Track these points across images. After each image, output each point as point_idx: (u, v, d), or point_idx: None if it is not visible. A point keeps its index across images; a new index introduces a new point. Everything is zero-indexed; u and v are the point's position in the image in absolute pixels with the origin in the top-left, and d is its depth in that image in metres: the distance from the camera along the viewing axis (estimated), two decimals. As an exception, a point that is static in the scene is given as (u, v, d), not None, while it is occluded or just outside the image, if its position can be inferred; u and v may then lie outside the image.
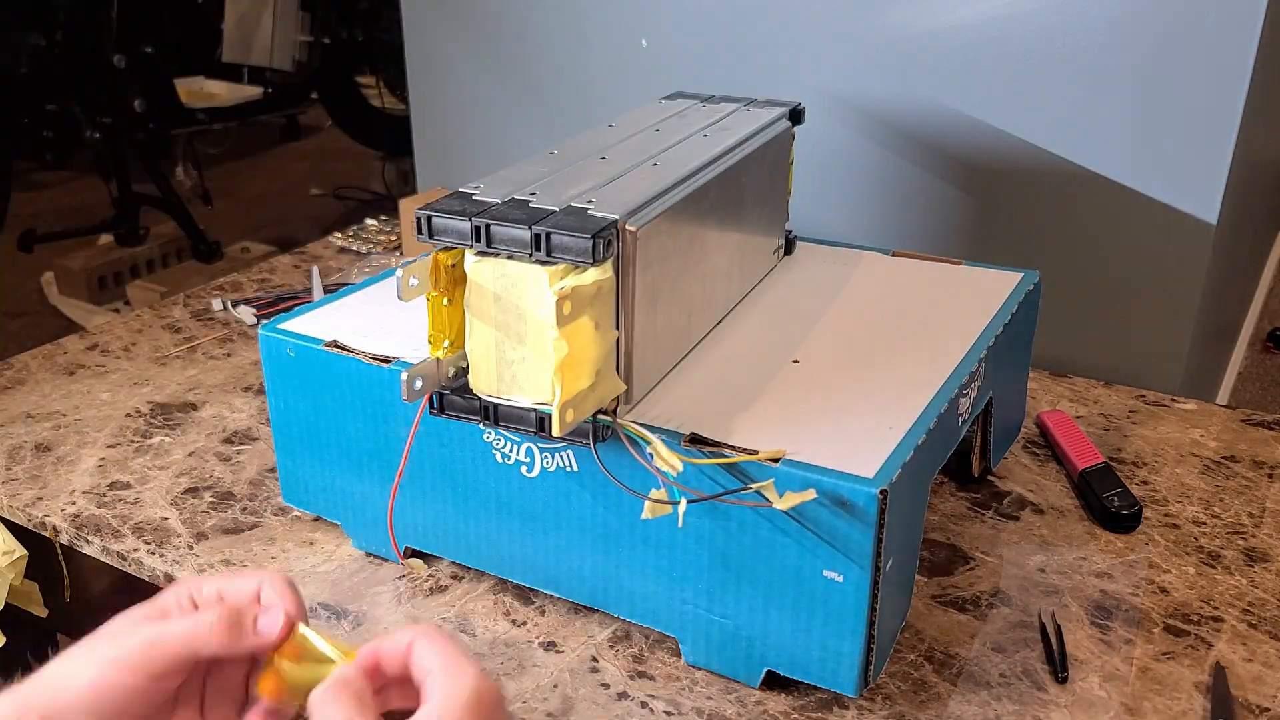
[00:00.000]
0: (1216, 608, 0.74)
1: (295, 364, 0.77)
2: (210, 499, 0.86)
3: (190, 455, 0.93)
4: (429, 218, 0.63)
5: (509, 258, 0.62)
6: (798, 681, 0.67)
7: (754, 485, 0.61)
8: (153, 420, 0.98)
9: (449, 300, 0.64)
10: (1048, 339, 0.98)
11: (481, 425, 0.69)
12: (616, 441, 0.65)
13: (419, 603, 0.75)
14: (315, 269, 1.24)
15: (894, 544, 0.62)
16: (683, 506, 0.63)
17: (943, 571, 0.78)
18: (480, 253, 0.62)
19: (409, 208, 1.34)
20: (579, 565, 0.71)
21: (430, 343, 0.66)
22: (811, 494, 0.60)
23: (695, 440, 0.64)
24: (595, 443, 0.65)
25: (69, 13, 2.52)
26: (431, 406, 0.68)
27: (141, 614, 0.52)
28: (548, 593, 0.74)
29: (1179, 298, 1.03)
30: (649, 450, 0.63)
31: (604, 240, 0.60)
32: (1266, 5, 0.91)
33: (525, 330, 0.62)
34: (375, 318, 0.80)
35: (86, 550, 0.83)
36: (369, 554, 0.80)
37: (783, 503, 0.60)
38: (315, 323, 0.79)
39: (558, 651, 0.71)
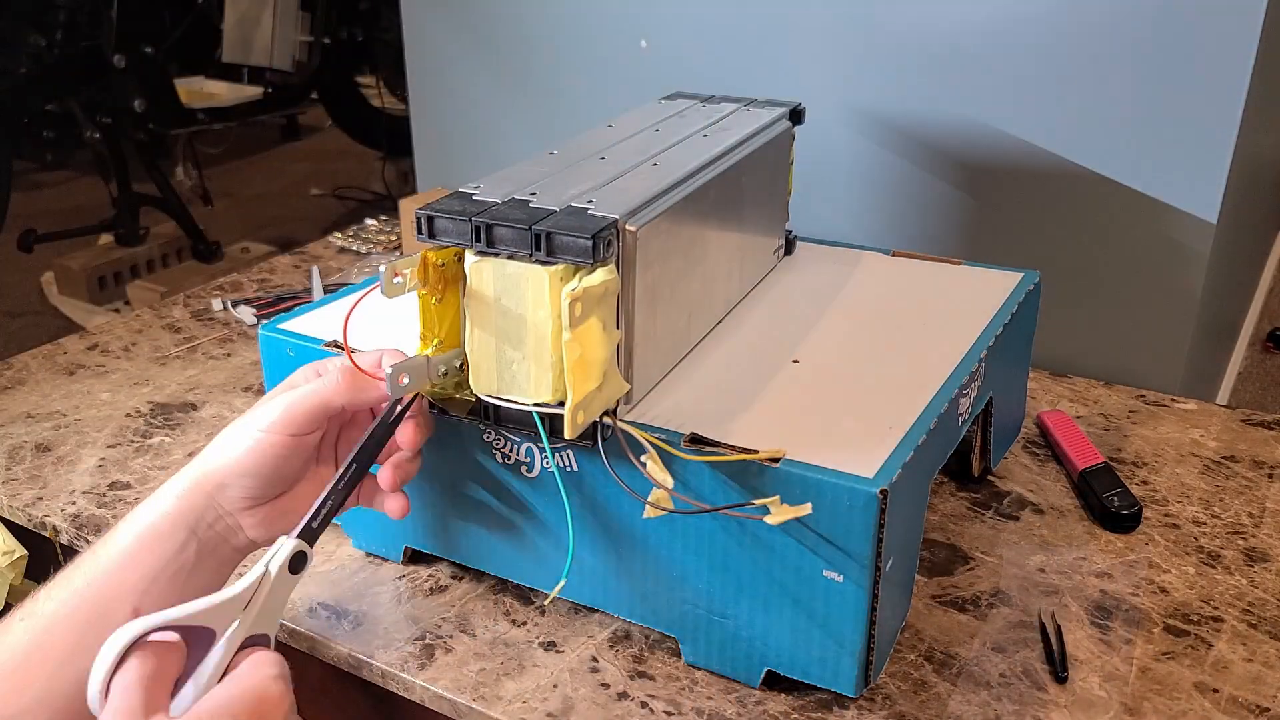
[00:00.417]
0: (1216, 608, 0.74)
1: (295, 364, 0.77)
2: (210, 499, 0.86)
3: (190, 455, 0.92)
4: (429, 218, 0.63)
5: (509, 258, 0.62)
6: (798, 681, 0.67)
7: (760, 500, 0.61)
8: (153, 420, 0.98)
9: (439, 299, 0.64)
10: (1048, 339, 0.98)
11: (482, 425, 0.69)
12: (616, 441, 0.65)
13: (419, 603, 0.75)
14: (315, 269, 1.24)
15: (894, 544, 0.62)
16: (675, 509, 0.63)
17: (943, 571, 0.78)
18: (480, 253, 0.62)
19: (409, 208, 1.34)
20: (579, 565, 0.71)
21: (420, 340, 0.65)
22: (807, 508, 0.59)
23: (695, 440, 0.64)
24: (602, 442, 0.65)
25: (69, 13, 2.52)
26: (432, 406, 0.68)
27: (276, 389, 0.65)
28: (547, 592, 0.74)
29: (1179, 298, 1.03)
30: (644, 459, 0.63)
31: (604, 240, 0.60)
32: (1266, 5, 0.91)
33: (525, 330, 0.62)
34: (375, 318, 0.80)
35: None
36: (369, 554, 0.80)
37: (773, 518, 0.60)
38: (315, 323, 0.79)
39: (558, 651, 0.71)
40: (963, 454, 0.86)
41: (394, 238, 1.43)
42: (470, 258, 0.63)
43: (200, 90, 2.96)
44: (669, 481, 0.62)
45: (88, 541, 0.83)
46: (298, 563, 0.60)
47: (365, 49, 3.10)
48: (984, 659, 0.70)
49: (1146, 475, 0.89)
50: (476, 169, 1.38)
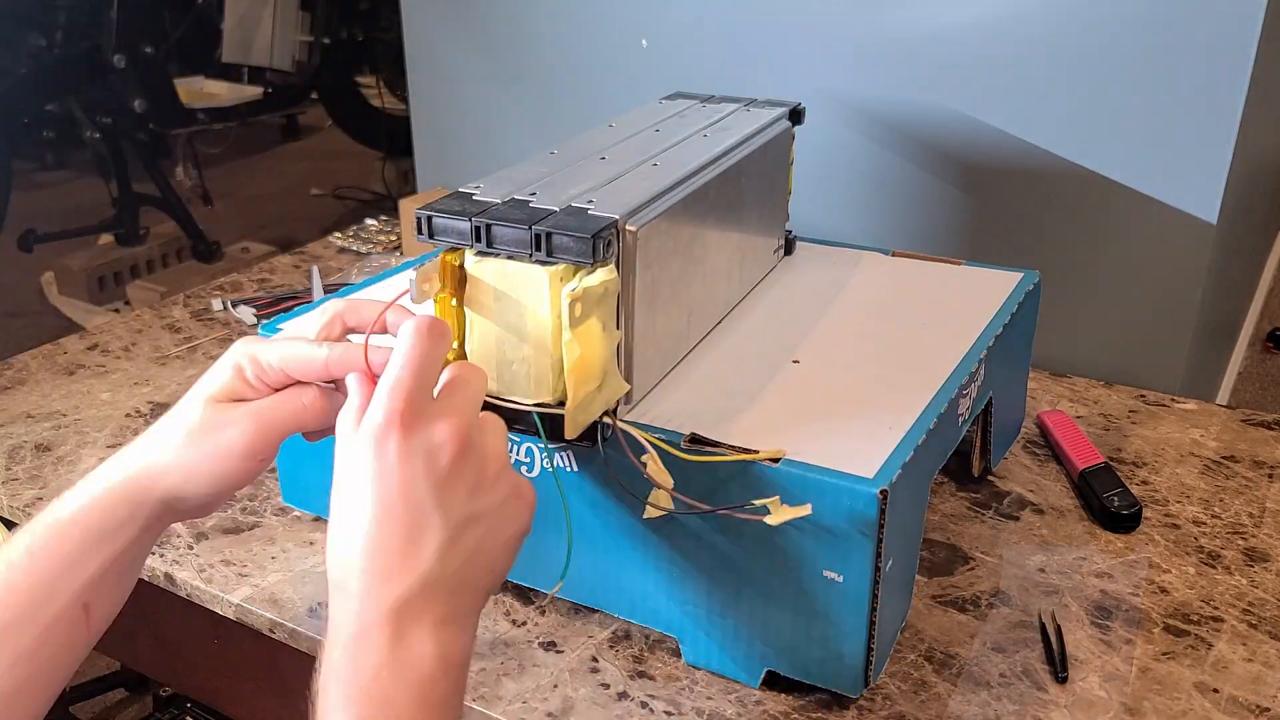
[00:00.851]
0: (1216, 608, 0.74)
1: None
2: (210, 499, 0.86)
3: (190, 455, 0.92)
4: (429, 218, 0.63)
5: (509, 258, 0.62)
6: (798, 681, 0.67)
7: (760, 500, 0.61)
8: (153, 420, 0.98)
9: (457, 300, 0.64)
10: (1048, 339, 0.98)
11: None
12: (616, 441, 0.65)
13: (419, 603, 0.75)
14: (315, 269, 1.24)
15: (894, 544, 0.62)
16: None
17: (943, 571, 0.78)
18: (480, 253, 0.62)
19: (409, 208, 1.34)
20: (579, 565, 0.71)
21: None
22: (807, 509, 0.59)
23: (695, 440, 0.64)
24: (602, 442, 0.65)
25: (69, 13, 2.52)
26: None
27: (211, 393, 0.59)
28: (547, 592, 0.74)
29: (1179, 298, 1.03)
30: (644, 459, 0.63)
31: (604, 240, 0.60)
32: (1266, 5, 0.91)
33: (525, 330, 0.62)
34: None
35: (86, 550, 0.83)
36: (369, 554, 0.80)
37: (773, 518, 0.60)
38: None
39: (558, 651, 0.71)
40: (963, 454, 0.86)
41: (394, 238, 1.43)
42: (470, 258, 0.63)
43: (200, 90, 2.96)
44: (669, 481, 0.62)
45: (88, 541, 0.82)
46: None
47: (365, 49, 3.10)
48: (984, 659, 0.70)
49: (1146, 475, 0.89)
50: (476, 169, 1.38)
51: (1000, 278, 0.88)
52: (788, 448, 0.63)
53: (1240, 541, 0.81)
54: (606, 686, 0.68)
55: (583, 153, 0.75)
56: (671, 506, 0.63)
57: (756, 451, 0.62)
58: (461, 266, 0.63)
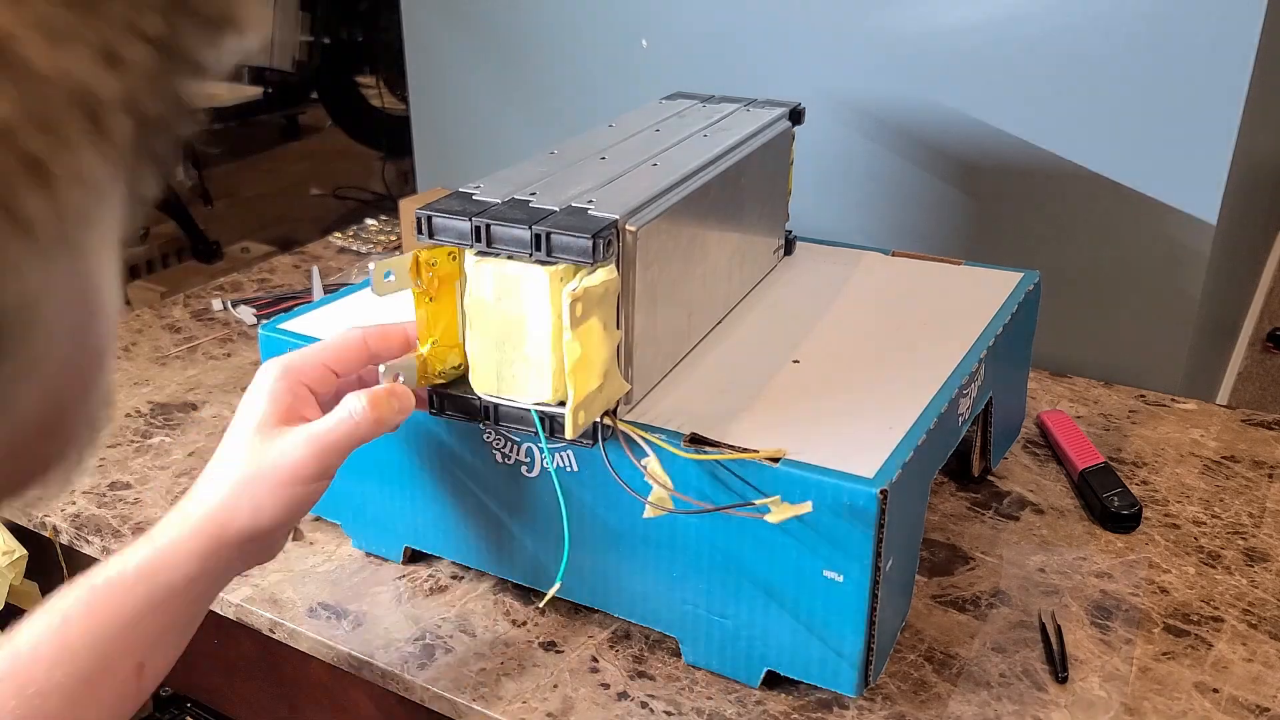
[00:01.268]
0: (1216, 608, 0.74)
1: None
2: (210, 499, 0.86)
3: (190, 455, 0.93)
4: (429, 218, 0.63)
5: (509, 258, 0.62)
6: (798, 681, 0.67)
7: (762, 500, 0.61)
8: (153, 420, 0.98)
9: (433, 299, 0.64)
10: (1048, 339, 0.98)
11: (481, 425, 0.69)
12: (616, 441, 0.65)
13: (419, 602, 0.75)
14: (315, 269, 1.24)
15: (894, 544, 0.62)
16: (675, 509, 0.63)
17: (943, 571, 0.78)
18: (480, 253, 0.62)
19: (409, 208, 1.34)
20: (579, 565, 0.71)
21: (417, 340, 0.65)
22: (808, 507, 0.59)
23: (695, 440, 0.64)
24: (603, 442, 0.65)
25: (69, 13, 2.52)
26: (431, 406, 0.68)
27: (253, 425, 0.59)
28: (546, 593, 0.74)
29: (1179, 298, 1.03)
30: (644, 462, 0.63)
31: (604, 240, 0.60)
32: (1266, 5, 0.91)
33: (525, 330, 0.62)
34: (375, 318, 0.80)
35: (86, 550, 0.83)
36: (369, 554, 0.80)
37: (773, 516, 0.60)
38: (315, 323, 0.79)
39: (558, 651, 0.71)
40: (963, 454, 0.86)
41: (394, 238, 1.43)
42: (470, 258, 0.63)
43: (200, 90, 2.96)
44: (669, 481, 0.62)
45: (88, 541, 0.83)
46: None
47: (365, 49, 3.10)
48: (984, 659, 0.70)
49: (1146, 475, 0.89)
50: (476, 169, 1.38)
51: (1000, 278, 0.88)
52: (788, 448, 0.63)
53: (1240, 541, 0.81)
54: (606, 686, 0.68)
55: (583, 153, 0.75)
56: (671, 506, 0.63)
57: (756, 451, 0.62)
58: (435, 264, 0.63)
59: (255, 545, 0.58)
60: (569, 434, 0.61)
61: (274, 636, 0.74)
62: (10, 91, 0.19)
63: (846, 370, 0.74)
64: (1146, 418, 0.98)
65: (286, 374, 0.59)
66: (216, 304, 1.22)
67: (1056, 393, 1.02)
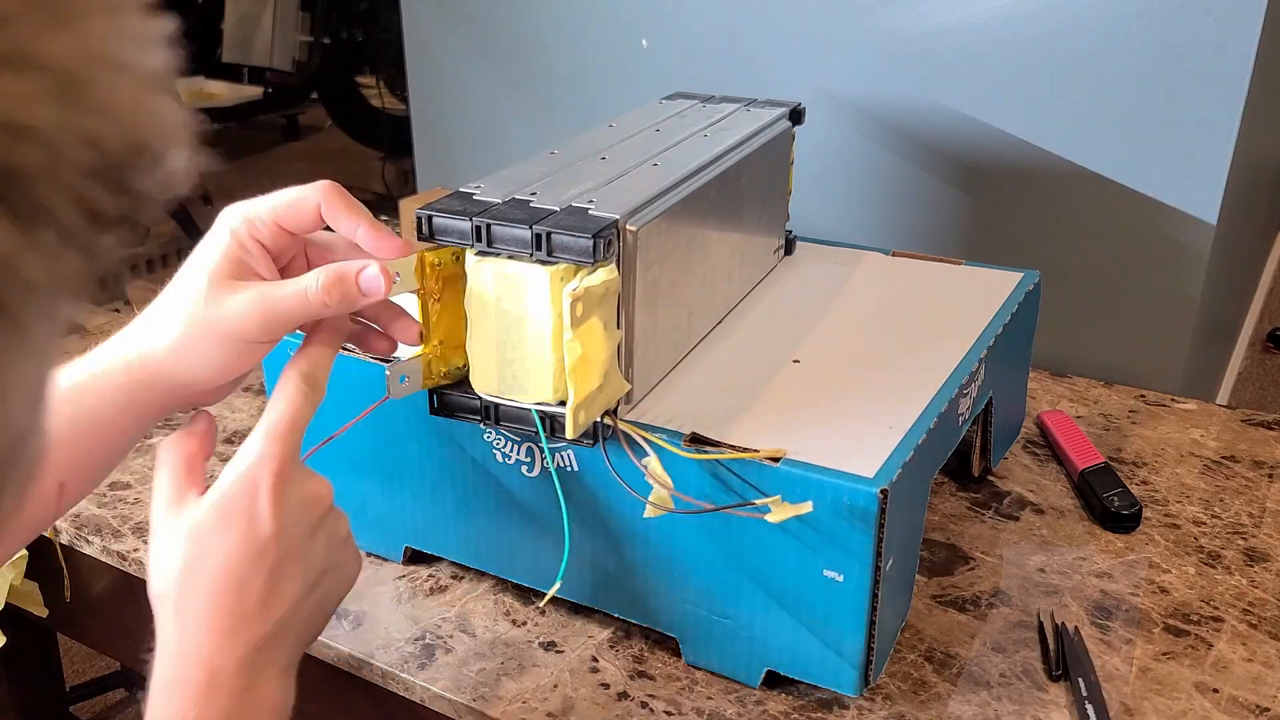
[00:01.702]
0: (1216, 608, 0.74)
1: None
2: (210, 499, 0.86)
3: (190, 455, 0.92)
4: (429, 218, 0.63)
5: (510, 257, 0.62)
6: (798, 681, 0.67)
7: (762, 500, 0.61)
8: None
9: (437, 299, 0.64)
10: (1048, 339, 0.98)
11: (482, 425, 0.69)
12: (616, 441, 0.65)
13: (419, 603, 0.75)
14: (315, 269, 1.23)
15: (894, 544, 0.62)
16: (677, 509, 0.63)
17: (943, 571, 0.78)
18: (481, 253, 0.62)
19: (409, 208, 1.34)
20: (580, 565, 0.71)
21: (422, 341, 0.65)
22: (808, 506, 0.59)
23: (695, 440, 0.64)
24: (604, 442, 0.65)
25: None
26: (431, 406, 0.68)
27: (211, 267, 0.55)
28: (546, 593, 0.74)
29: (1179, 298, 1.03)
30: (645, 462, 0.63)
31: (604, 240, 0.60)
32: (1266, 5, 0.91)
33: (526, 330, 0.62)
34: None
35: (86, 550, 0.83)
36: (369, 554, 0.80)
37: (774, 516, 0.60)
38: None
39: (558, 651, 0.71)
40: (963, 454, 0.86)
41: (394, 238, 1.43)
42: (471, 258, 0.63)
43: (200, 90, 2.96)
44: (669, 481, 0.62)
45: (88, 541, 0.83)
46: None
47: (365, 49, 3.10)
48: (984, 659, 0.70)
49: (1146, 475, 0.89)
50: (476, 169, 1.38)
51: (1000, 278, 0.88)
52: (788, 447, 0.63)
53: (1240, 541, 0.81)
54: (606, 686, 0.68)
55: (583, 153, 0.75)
56: (672, 506, 0.63)
57: (756, 451, 0.62)
58: (440, 265, 0.63)
59: (186, 391, 0.57)
60: (569, 434, 0.61)
61: (274, 636, 0.74)
62: None
63: (846, 370, 0.74)
64: (1146, 418, 0.98)
65: (242, 228, 0.56)
66: (216, 304, 1.22)
67: (1056, 393, 1.02)
